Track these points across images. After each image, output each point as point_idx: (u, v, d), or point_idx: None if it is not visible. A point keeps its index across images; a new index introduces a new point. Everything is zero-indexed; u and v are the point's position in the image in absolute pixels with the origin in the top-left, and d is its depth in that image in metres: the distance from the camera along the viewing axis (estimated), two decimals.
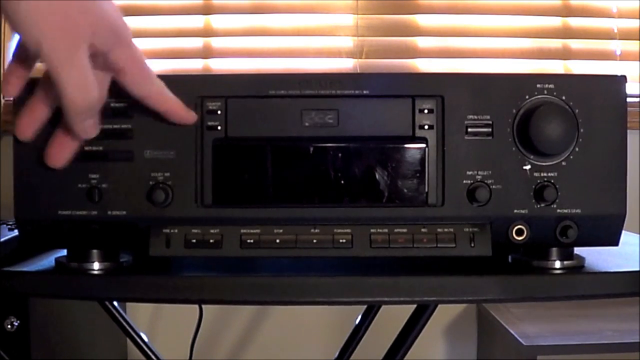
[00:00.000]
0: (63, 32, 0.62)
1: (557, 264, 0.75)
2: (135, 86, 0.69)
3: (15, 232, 0.82)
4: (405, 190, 0.72)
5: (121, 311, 1.22)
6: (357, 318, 1.23)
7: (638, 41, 1.89)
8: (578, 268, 0.75)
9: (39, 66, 0.67)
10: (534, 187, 0.72)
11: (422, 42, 1.91)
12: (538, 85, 0.72)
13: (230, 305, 1.68)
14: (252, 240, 0.72)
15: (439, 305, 0.97)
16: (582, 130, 0.72)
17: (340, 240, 0.73)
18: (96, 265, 0.74)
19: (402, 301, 0.73)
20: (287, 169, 0.72)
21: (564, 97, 0.72)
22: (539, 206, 0.72)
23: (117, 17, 0.66)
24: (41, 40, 0.62)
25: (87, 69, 0.64)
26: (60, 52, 0.62)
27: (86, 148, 0.71)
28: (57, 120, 0.69)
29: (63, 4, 0.62)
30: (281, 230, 0.73)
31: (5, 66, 1.88)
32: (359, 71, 1.88)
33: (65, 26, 0.62)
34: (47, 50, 0.62)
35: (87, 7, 0.63)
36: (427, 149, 0.72)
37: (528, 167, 0.72)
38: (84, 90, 0.64)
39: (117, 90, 0.70)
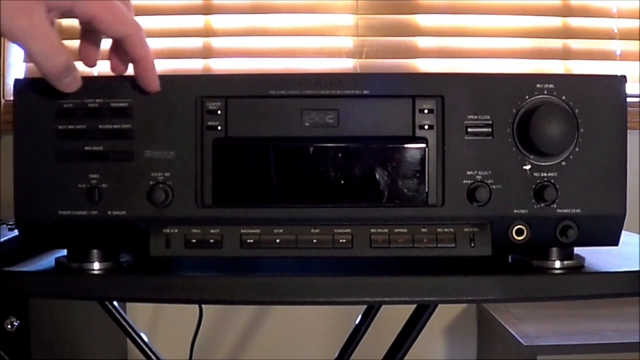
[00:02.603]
0: (14, 3, 0.61)
1: (557, 264, 0.75)
2: (112, 29, 0.68)
3: (15, 232, 0.82)
4: (406, 190, 0.72)
5: (121, 311, 1.22)
6: (357, 318, 1.23)
7: (638, 41, 1.89)
8: (578, 268, 0.75)
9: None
10: (534, 187, 0.72)
11: (422, 42, 1.91)
12: (538, 85, 0.72)
13: (230, 305, 1.68)
14: (252, 240, 0.72)
15: (439, 305, 0.97)
16: (582, 130, 0.72)
17: (340, 240, 0.73)
18: (96, 265, 0.74)
19: (402, 301, 0.73)
20: (287, 169, 0.72)
21: (564, 97, 0.72)
22: (539, 206, 0.72)
23: None
24: None
25: (49, 35, 0.64)
26: (19, 22, 0.62)
27: (86, 148, 0.71)
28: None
29: None
30: (281, 230, 0.73)
31: (5, 66, 1.88)
32: (359, 71, 1.88)
33: None
34: (5, 26, 0.61)
35: None
36: (427, 149, 0.72)
37: (528, 167, 0.72)
38: (52, 57, 0.65)
39: (117, 89, 0.70)
